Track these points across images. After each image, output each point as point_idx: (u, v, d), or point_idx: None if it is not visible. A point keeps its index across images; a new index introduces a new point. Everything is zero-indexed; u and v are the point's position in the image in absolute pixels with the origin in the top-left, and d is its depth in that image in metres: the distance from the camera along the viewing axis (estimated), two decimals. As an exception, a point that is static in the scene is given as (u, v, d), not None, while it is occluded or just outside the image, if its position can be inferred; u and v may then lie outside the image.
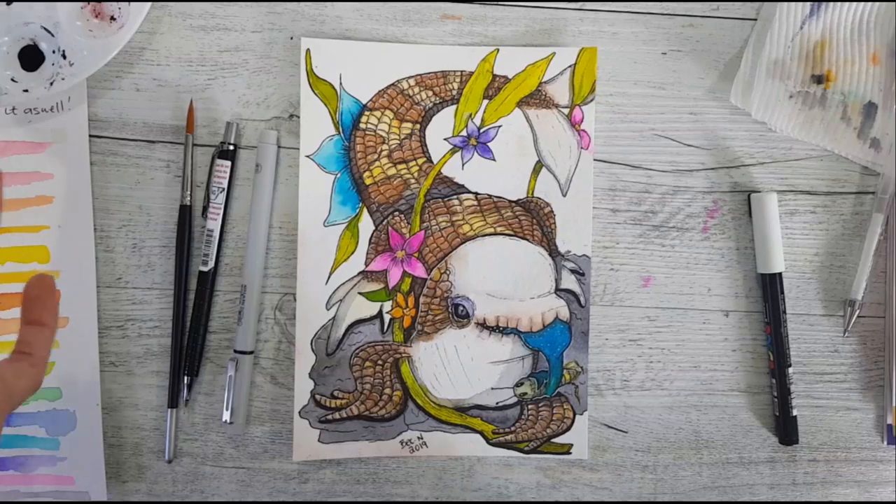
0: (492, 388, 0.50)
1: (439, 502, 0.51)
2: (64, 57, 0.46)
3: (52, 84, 0.46)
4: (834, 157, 0.51)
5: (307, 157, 0.48)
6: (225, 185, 0.48)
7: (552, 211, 0.50)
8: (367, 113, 0.49)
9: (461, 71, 0.49)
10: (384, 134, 0.49)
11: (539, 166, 0.50)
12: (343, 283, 0.49)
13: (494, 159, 0.49)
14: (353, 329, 0.49)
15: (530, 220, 0.50)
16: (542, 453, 0.50)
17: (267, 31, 0.49)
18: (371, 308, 0.49)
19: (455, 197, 0.50)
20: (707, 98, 0.51)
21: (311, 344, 0.49)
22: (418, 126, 0.49)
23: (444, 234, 0.49)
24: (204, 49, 0.49)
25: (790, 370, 0.50)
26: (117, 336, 0.49)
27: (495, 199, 0.50)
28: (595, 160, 0.50)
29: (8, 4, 0.46)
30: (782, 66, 0.49)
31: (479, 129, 0.49)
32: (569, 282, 0.50)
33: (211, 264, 0.48)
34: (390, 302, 0.49)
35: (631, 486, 0.51)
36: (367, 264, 0.49)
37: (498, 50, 0.49)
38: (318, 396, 0.49)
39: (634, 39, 0.50)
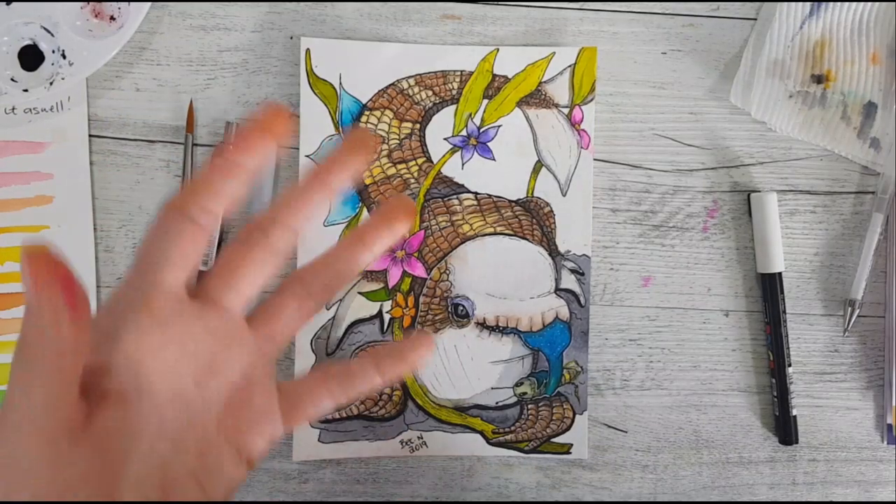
0: (492, 388, 0.50)
1: (439, 502, 0.51)
2: (64, 57, 0.46)
3: (51, 84, 0.46)
4: (834, 157, 0.51)
5: (307, 156, 0.49)
6: (225, 185, 0.48)
7: (552, 211, 0.50)
8: (366, 113, 0.49)
9: (461, 71, 0.49)
10: (384, 134, 0.49)
11: (539, 166, 0.50)
12: (343, 283, 0.49)
13: (494, 159, 0.49)
14: (353, 329, 0.49)
15: (530, 219, 0.50)
16: (542, 453, 0.50)
17: (267, 31, 0.49)
18: (371, 308, 0.49)
19: (455, 197, 0.50)
20: (707, 98, 0.51)
21: (311, 344, 0.49)
22: (418, 126, 0.49)
23: (443, 234, 0.49)
24: (204, 49, 0.49)
25: (790, 370, 0.50)
26: (117, 336, 0.49)
27: (495, 199, 0.50)
28: (595, 160, 0.50)
29: (8, 4, 0.46)
30: (782, 65, 0.49)
31: (478, 128, 0.49)
32: (569, 281, 0.50)
33: (211, 264, 0.48)
34: (390, 302, 0.49)
35: (631, 485, 0.51)
36: (366, 264, 0.49)
37: (498, 50, 0.49)
38: (318, 396, 0.49)
39: (634, 39, 0.50)
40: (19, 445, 0.25)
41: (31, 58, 0.47)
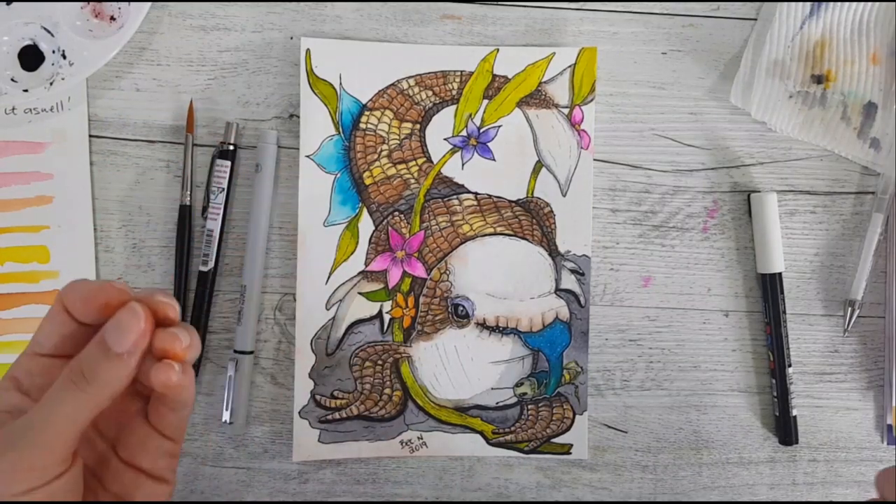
0: (492, 388, 0.50)
1: (439, 502, 0.51)
2: (64, 57, 0.46)
3: (52, 84, 0.46)
4: (834, 157, 0.51)
5: (307, 157, 0.49)
6: (225, 185, 0.48)
7: (552, 211, 0.50)
8: (367, 113, 0.49)
9: (461, 71, 0.49)
10: (384, 134, 0.49)
11: (539, 166, 0.50)
12: (343, 283, 0.49)
13: (494, 159, 0.49)
14: (353, 329, 0.49)
15: (530, 220, 0.50)
16: (542, 453, 0.50)
17: (267, 31, 0.49)
18: (371, 308, 0.49)
19: (455, 197, 0.50)
20: (707, 98, 0.51)
21: (311, 344, 0.49)
22: (418, 126, 0.49)
23: (443, 234, 0.49)
24: (204, 49, 0.49)
25: (790, 370, 0.50)
26: (117, 336, 0.49)
27: (495, 199, 0.50)
28: (595, 160, 0.50)
29: (8, 4, 0.46)
30: (782, 66, 0.49)
31: (478, 129, 0.49)
32: (569, 282, 0.50)
33: (211, 264, 0.48)
34: (390, 302, 0.49)
35: (631, 486, 0.51)
36: (366, 264, 0.49)
37: (498, 50, 0.49)
38: (318, 396, 0.49)
39: (634, 39, 0.50)
40: (20, 451, 0.29)
41: (31, 58, 0.47)
